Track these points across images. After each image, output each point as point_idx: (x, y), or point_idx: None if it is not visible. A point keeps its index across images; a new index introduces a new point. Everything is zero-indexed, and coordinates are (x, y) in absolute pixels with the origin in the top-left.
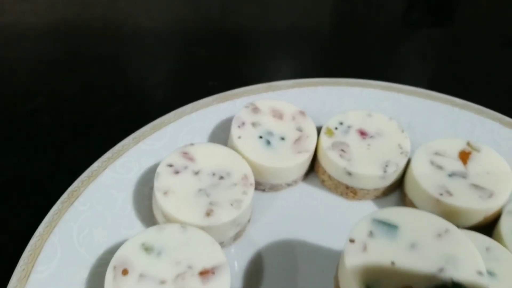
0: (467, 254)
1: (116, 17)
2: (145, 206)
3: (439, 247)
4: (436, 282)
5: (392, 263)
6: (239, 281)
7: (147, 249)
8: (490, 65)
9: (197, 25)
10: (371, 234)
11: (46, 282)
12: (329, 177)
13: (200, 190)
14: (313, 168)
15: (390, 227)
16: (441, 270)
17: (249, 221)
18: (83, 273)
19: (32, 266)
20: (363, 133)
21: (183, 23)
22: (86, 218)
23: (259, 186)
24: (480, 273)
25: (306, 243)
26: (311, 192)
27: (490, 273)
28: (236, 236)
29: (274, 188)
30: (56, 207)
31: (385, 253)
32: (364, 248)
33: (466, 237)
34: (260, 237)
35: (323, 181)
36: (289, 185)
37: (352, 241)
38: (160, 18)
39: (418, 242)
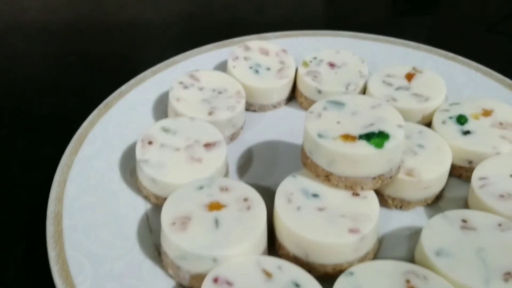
0: (391, 115)
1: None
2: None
3: (373, 113)
4: (367, 131)
5: (338, 122)
6: (234, 167)
7: (166, 130)
8: (475, 50)
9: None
10: (325, 108)
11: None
12: (305, 98)
13: (204, 99)
14: (293, 96)
15: (339, 104)
16: (371, 124)
17: (242, 128)
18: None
19: None
20: (332, 65)
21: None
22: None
23: (251, 106)
24: (399, 126)
25: (286, 143)
26: (292, 112)
27: (420, 146)
28: (232, 137)
29: (262, 108)
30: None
31: (333, 117)
32: (319, 116)
33: (392, 107)
34: (250, 140)
35: (301, 103)
36: (274, 106)
37: (311, 112)
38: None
39: (358, 111)
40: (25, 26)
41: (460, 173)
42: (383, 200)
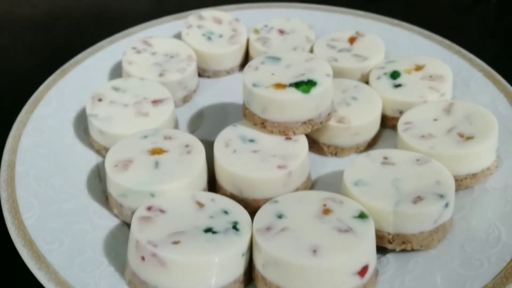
0: (321, 66)
1: None
2: None
3: (305, 65)
4: (297, 80)
5: (272, 74)
6: (184, 126)
7: (116, 89)
8: (465, 22)
9: None
10: (262, 62)
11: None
12: None
13: (155, 63)
14: (247, 62)
15: (276, 59)
16: (302, 74)
17: (195, 91)
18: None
19: None
20: (281, 31)
21: None
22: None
23: (205, 72)
24: (327, 75)
25: (237, 105)
26: None
27: (353, 98)
28: (185, 100)
29: (216, 74)
30: None
31: (269, 70)
32: (256, 69)
33: (324, 60)
34: (202, 102)
35: None
36: (228, 72)
37: (249, 66)
38: None
39: (292, 64)
40: None
41: (393, 123)
42: (320, 148)
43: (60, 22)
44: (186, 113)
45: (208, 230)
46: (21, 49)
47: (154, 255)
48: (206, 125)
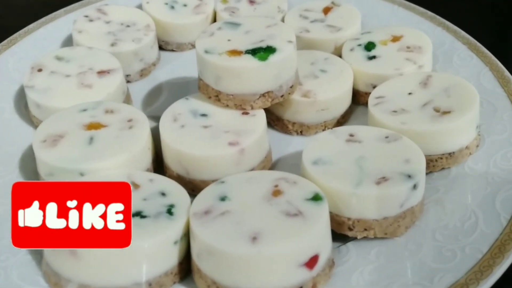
0: (283, 32)
1: None
2: None
3: (266, 31)
4: (255, 46)
5: (229, 40)
6: (139, 100)
7: (59, 58)
8: (464, 14)
9: None
10: (219, 28)
11: None
12: None
13: (109, 32)
14: None
15: (234, 24)
16: (262, 41)
17: (155, 64)
18: None
19: None
20: (251, 1)
21: None
22: None
23: (167, 45)
24: (289, 41)
25: None
26: None
27: (322, 70)
28: (142, 73)
29: (180, 47)
30: None
31: (225, 36)
32: (212, 34)
33: (287, 26)
34: (162, 77)
35: None
36: (193, 45)
37: (204, 32)
38: None
39: (252, 30)
40: None
41: (366, 100)
42: (284, 126)
43: None
44: (142, 87)
45: (137, 214)
46: None
47: None
48: (163, 101)
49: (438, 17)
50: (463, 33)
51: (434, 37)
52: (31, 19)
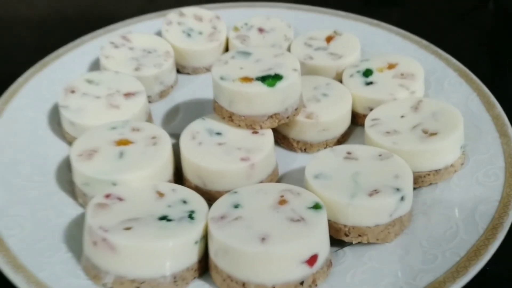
0: (289, 62)
1: None
2: None
3: (274, 60)
4: (264, 74)
5: (241, 68)
6: (159, 119)
7: (89, 81)
8: (449, 38)
9: None
10: (232, 57)
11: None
12: None
13: (132, 58)
14: None
15: (246, 53)
16: (270, 69)
17: (173, 87)
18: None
19: None
20: (261, 30)
21: None
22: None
23: (184, 69)
24: (294, 69)
25: None
26: None
27: (324, 94)
28: (162, 95)
29: (196, 71)
30: None
31: (238, 64)
32: (226, 63)
33: (293, 55)
34: (179, 98)
35: None
36: (207, 69)
37: (219, 60)
38: None
39: (261, 59)
40: None
41: (364, 121)
42: (289, 143)
43: (54, 22)
44: (162, 107)
45: (163, 218)
46: (14, 48)
47: (104, 240)
48: (180, 119)
49: (432, 45)
50: (454, 60)
51: (427, 64)
52: (58, 43)
